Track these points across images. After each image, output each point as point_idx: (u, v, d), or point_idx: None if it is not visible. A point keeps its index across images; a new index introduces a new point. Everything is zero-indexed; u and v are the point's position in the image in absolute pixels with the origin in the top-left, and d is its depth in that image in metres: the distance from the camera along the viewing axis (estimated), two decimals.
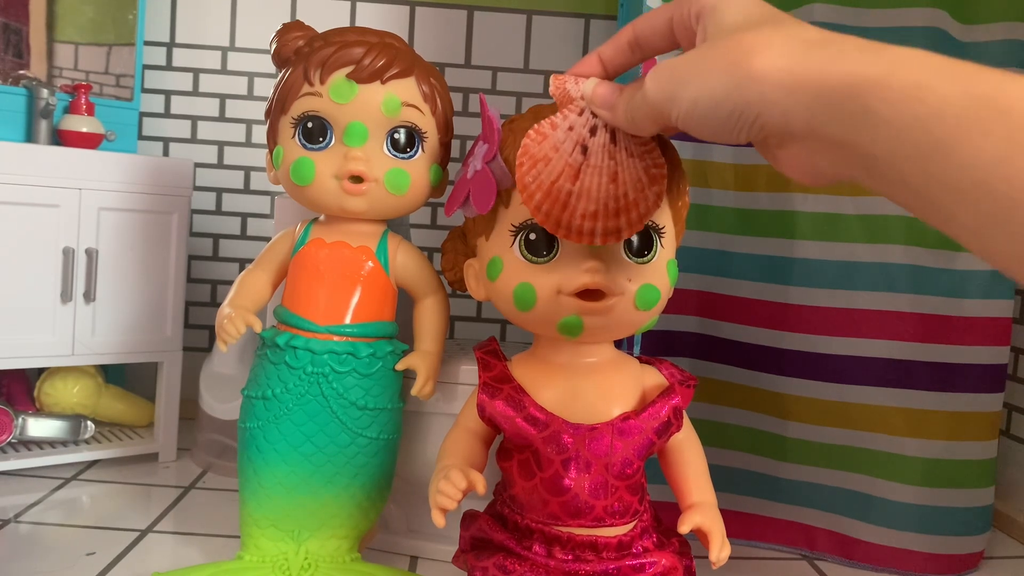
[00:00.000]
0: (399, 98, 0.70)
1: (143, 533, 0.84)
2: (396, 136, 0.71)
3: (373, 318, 0.73)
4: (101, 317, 0.99)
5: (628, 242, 0.58)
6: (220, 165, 1.27)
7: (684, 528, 0.59)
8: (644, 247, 0.58)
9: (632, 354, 0.68)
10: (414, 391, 0.73)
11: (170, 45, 1.25)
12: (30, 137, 1.04)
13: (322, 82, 0.70)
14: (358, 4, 1.25)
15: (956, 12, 0.83)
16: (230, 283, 0.79)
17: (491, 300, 0.63)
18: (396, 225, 0.80)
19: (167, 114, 1.26)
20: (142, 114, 1.24)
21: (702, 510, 0.60)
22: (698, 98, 0.37)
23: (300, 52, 0.72)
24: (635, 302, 0.58)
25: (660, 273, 0.59)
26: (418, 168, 0.72)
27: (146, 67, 1.24)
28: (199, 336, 1.28)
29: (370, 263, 0.73)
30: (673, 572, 0.60)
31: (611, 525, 0.59)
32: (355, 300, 0.72)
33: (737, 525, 0.88)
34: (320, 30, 0.73)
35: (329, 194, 0.71)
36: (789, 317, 0.85)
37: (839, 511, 0.86)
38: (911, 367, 0.83)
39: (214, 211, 1.27)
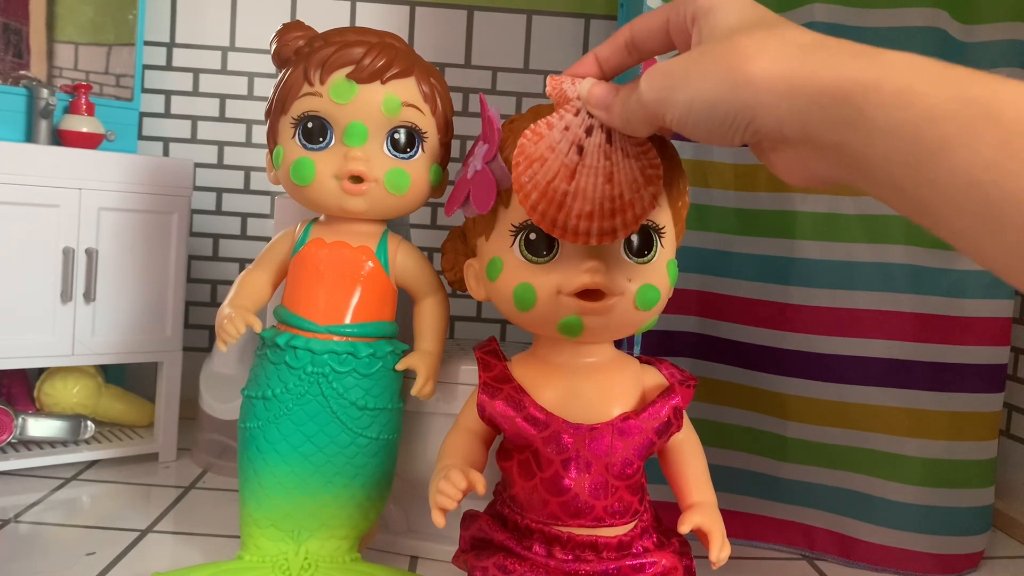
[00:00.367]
0: (399, 98, 0.70)
1: (143, 533, 0.84)
2: (396, 136, 0.71)
3: (373, 318, 0.73)
4: (101, 317, 0.99)
5: (628, 242, 0.58)
6: (220, 165, 1.27)
7: (684, 528, 0.59)
8: (644, 247, 0.58)
9: (632, 354, 0.68)
10: (414, 391, 0.73)
11: (170, 45, 1.25)
12: (30, 137, 1.04)
13: (322, 82, 0.70)
14: (358, 4, 1.25)
15: (956, 12, 0.83)
16: (230, 283, 0.79)
17: (491, 300, 0.63)
18: (396, 225, 0.80)
19: (167, 114, 1.26)
20: (142, 114, 1.24)
21: (702, 510, 0.60)
22: (692, 101, 0.37)
23: (300, 52, 0.72)
24: (635, 302, 0.58)
25: (660, 273, 0.59)
26: (418, 168, 0.72)
27: (146, 67, 1.24)
28: (199, 336, 1.28)
29: (370, 263, 0.73)
30: (673, 572, 0.60)
31: (611, 525, 0.59)
32: (355, 300, 0.72)
33: (737, 525, 0.88)
34: (320, 30, 0.73)
35: (329, 194, 0.71)
36: (789, 317, 0.85)
37: (839, 511, 0.86)
38: (911, 367, 0.83)
39: (214, 211, 1.27)
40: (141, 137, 1.24)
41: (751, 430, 0.89)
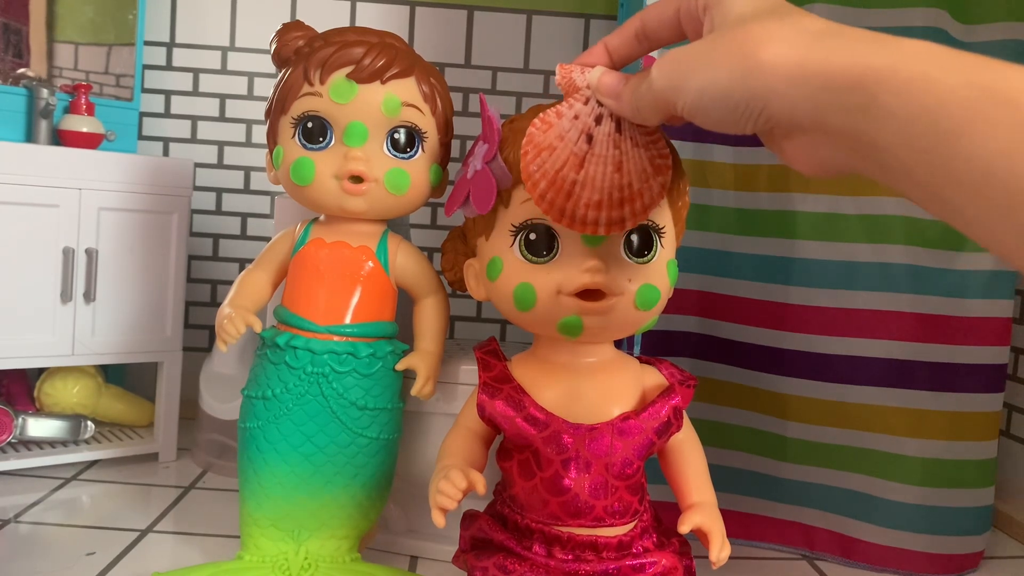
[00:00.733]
0: (399, 98, 0.70)
1: (143, 533, 0.84)
2: (396, 136, 0.71)
3: (373, 318, 0.73)
4: (101, 317, 0.99)
5: (628, 242, 0.58)
6: (220, 165, 1.27)
7: (684, 528, 0.59)
8: (644, 247, 0.58)
9: (632, 354, 0.68)
10: (414, 391, 0.73)
11: (170, 45, 1.25)
12: (30, 137, 1.04)
13: (322, 82, 0.70)
14: (358, 4, 1.25)
15: (956, 12, 0.83)
16: (230, 283, 0.79)
17: (491, 300, 0.63)
18: (396, 225, 0.80)
19: (167, 114, 1.26)
20: (142, 114, 1.24)
21: (702, 510, 0.60)
22: (704, 88, 0.37)
23: (300, 52, 0.72)
24: (635, 302, 0.58)
25: (660, 273, 0.59)
26: (418, 168, 0.72)
27: (146, 67, 1.24)
28: (199, 336, 1.28)
29: (370, 263, 0.73)
30: (673, 572, 0.60)
31: (611, 525, 0.59)
32: (355, 300, 0.72)
33: (737, 525, 0.88)
34: (320, 30, 0.73)
35: (329, 194, 0.71)
36: (789, 317, 0.85)
37: (839, 511, 0.86)
38: (911, 367, 0.83)
39: (214, 211, 1.27)
40: (141, 137, 1.24)
41: (751, 430, 0.89)
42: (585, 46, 1.27)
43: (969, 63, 0.29)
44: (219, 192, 1.27)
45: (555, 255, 0.57)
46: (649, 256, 0.58)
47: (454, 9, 1.26)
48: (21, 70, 1.05)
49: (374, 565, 0.74)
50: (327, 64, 0.70)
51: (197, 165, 1.24)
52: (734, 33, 0.36)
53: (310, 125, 0.71)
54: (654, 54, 0.52)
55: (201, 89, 1.26)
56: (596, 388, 0.60)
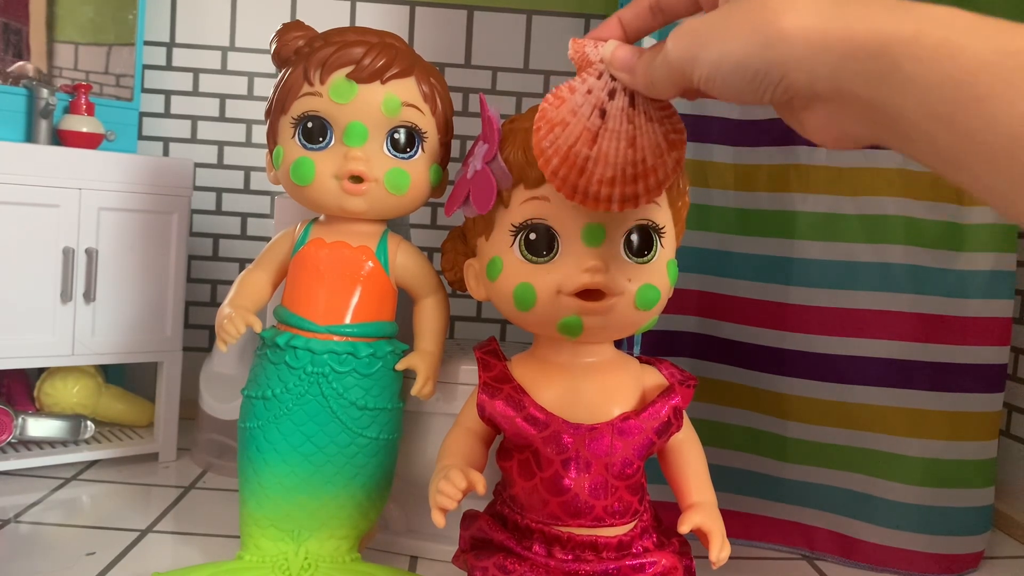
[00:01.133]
0: (399, 98, 0.70)
1: (143, 533, 0.84)
2: (396, 136, 0.71)
3: (373, 318, 0.73)
4: (101, 317, 0.99)
5: (628, 242, 0.58)
6: (220, 165, 1.27)
7: (684, 528, 0.58)
8: (644, 247, 0.58)
9: (632, 354, 0.68)
10: (414, 391, 0.73)
11: (170, 45, 1.25)
12: (30, 137, 1.04)
13: (322, 82, 0.70)
14: (358, 4, 1.25)
15: (961, 4, 0.83)
16: (230, 283, 0.79)
17: (491, 300, 0.63)
18: (396, 225, 0.80)
19: (167, 114, 1.26)
20: (142, 114, 1.24)
21: (702, 510, 0.60)
22: (722, 59, 0.36)
23: (300, 52, 0.72)
24: (635, 302, 0.58)
25: (660, 273, 0.59)
26: (418, 168, 0.72)
27: (146, 67, 1.24)
28: (199, 336, 1.28)
29: (370, 263, 0.73)
30: (673, 572, 0.60)
31: (611, 525, 0.59)
32: (355, 300, 0.72)
33: (737, 525, 0.88)
34: (320, 30, 0.73)
35: (329, 194, 0.71)
36: (789, 317, 0.85)
37: (839, 511, 0.86)
38: (911, 367, 0.83)
39: (214, 211, 1.27)
40: (141, 137, 1.24)
41: (751, 430, 0.89)
42: None
43: (995, 28, 0.29)
44: (219, 192, 1.27)
45: (555, 255, 0.57)
46: (649, 256, 0.58)
47: (454, 9, 1.26)
48: (20, 63, 1.05)
49: (374, 565, 0.74)
50: (327, 64, 0.70)
51: (197, 165, 1.23)
52: (751, 2, 0.35)
53: (310, 125, 0.70)
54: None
55: (201, 89, 1.26)
56: (596, 388, 0.60)
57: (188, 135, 1.26)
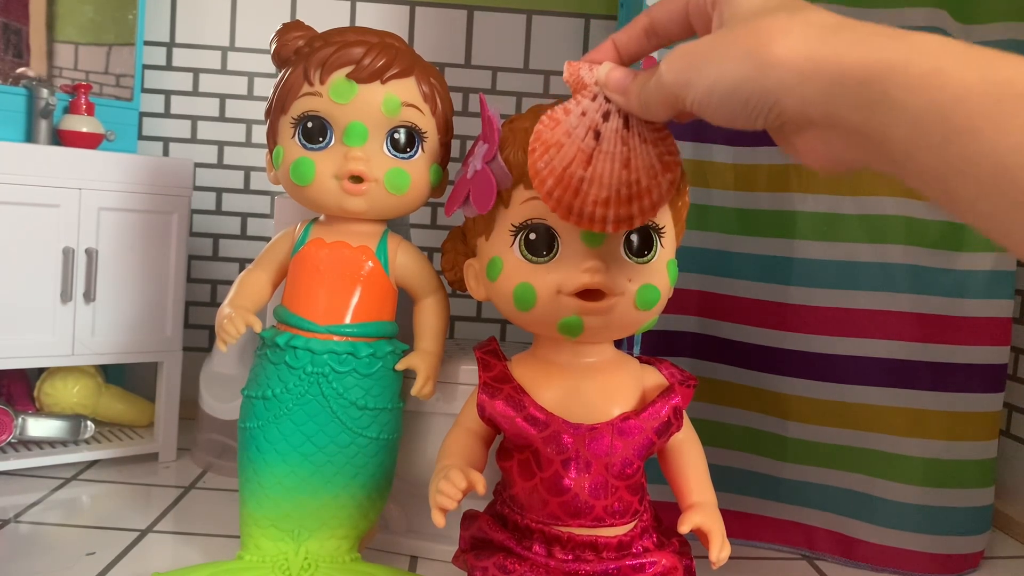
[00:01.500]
0: (399, 98, 0.70)
1: (143, 533, 0.84)
2: (396, 136, 0.71)
3: (373, 318, 0.73)
4: (101, 317, 0.99)
5: (628, 242, 0.58)
6: (220, 165, 1.27)
7: (684, 528, 0.59)
8: (644, 247, 0.58)
9: (632, 354, 0.68)
10: (414, 391, 0.73)
11: (170, 45, 1.25)
12: (30, 137, 1.04)
13: (322, 82, 0.70)
14: (358, 4, 1.25)
15: (956, 12, 0.83)
16: (230, 283, 0.79)
17: (491, 300, 0.63)
18: (396, 225, 0.80)
19: (167, 114, 1.26)
20: (142, 114, 1.24)
21: (702, 510, 0.60)
22: (715, 84, 0.36)
23: (300, 52, 0.72)
24: (635, 302, 0.58)
25: (660, 273, 0.59)
26: (418, 168, 0.72)
27: (146, 67, 1.24)
28: (199, 336, 1.28)
29: (370, 263, 0.73)
30: (673, 572, 0.60)
31: (611, 525, 0.59)
32: (355, 300, 0.72)
33: (737, 525, 0.88)
34: (320, 30, 0.73)
35: (329, 194, 0.71)
36: (789, 317, 0.85)
37: (839, 511, 0.86)
38: (911, 367, 0.83)
39: (214, 211, 1.27)
40: (141, 137, 1.24)
41: (751, 430, 0.89)
42: (585, 46, 1.27)
43: (983, 57, 0.29)
44: (219, 192, 1.27)
45: (555, 255, 0.57)
46: (649, 256, 0.58)
47: (454, 9, 1.26)
48: (21, 69, 1.05)
49: (374, 565, 0.74)
50: (327, 64, 0.70)
51: (197, 165, 1.24)
52: (745, 28, 0.36)
53: (310, 125, 0.71)
54: (655, 55, 0.51)
55: (201, 89, 1.26)
56: (596, 388, 0.60)
57: (188, 135, 1.26)
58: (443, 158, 0.76)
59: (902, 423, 0.84)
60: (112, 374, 1.13)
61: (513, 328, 1.26)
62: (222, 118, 1.26)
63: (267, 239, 1.01)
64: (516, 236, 0.59)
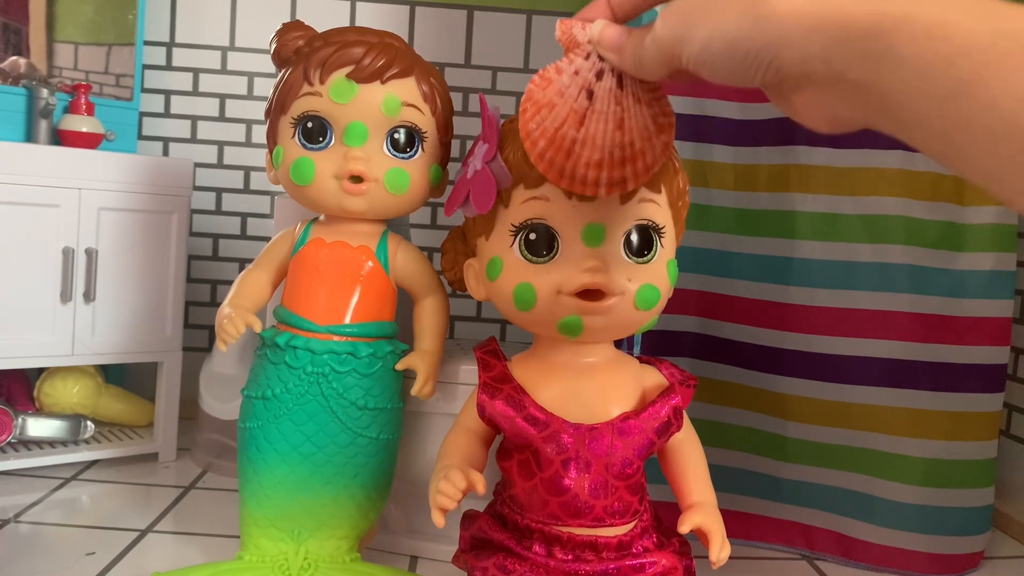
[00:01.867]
0: (399, 98, 0.70)
1: (143, 533, 0.84)
2: (396, 136, 0.71)
3: (373, 318, 0.73)
4: (101, 317, 0.99)
5: (628, 242, 0.58)
6: (220, 165, 1.27)
7: (684, 528, 0.59)
8: (644, 247, 0.58)
9: (632, 354, 0.68)
10: (414, 391, 0.73)
11: (170, 45, 1.25)
12: (30, 137, 1.04)
13: (322, 82, 0.70)
14: (358, 4, 1.25)
15: None
16: (230, 283, 0.79)
17: (491, 300, 0.63)
18: (396, 225, 0.80)
19: (167, 114, 1.26)
20: (142, 114, 1.24)
21: (702, 510, 0.60)
22: (711, 38, 0.36)
23: (300, 52, 0.72)
24: (635, 302, 0.58)
25: (660, 273, 0.59)
26: (418, 168, 0.72)
27: (146, 67, 1.24)
28: (199, 336, 1.28)
29: (370, 263, 0.73)
30: (673, 572, 0.60)
31: (611, 525, 0.59)
32: (355, 300, 0.72)
33: (737, 525, 0.88)
34: (320, 30, 0.73)
35: (329, 194, 0.71)
36: (789, 317, 0.85)
37: (839, 511, 0.86)
38: (911, 367, 0.83)
39: (214, 211, 1.27)
40: (141, 137, 1.24)
41: (751, 430, 0.89)
42: None
43: (991, 9, 0.28)
44: (219, 192, 1.27)
45: (555, 255, 0.57)
46: (649, 256, 0.58)
47: (454, 9, 1.26)
48: (14, 57, 1.05)
49: (374, 565, 0.74)
50: (327, 64, 0.70)
51: (197, 165, 1.23)
52: None
53: (310, 125, 0.70)
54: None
55: (201, 89, 1.26)
56: (596, 388, 0.60)
57: (188, 135, 1.26)
58: (443, 158, 0.76)
59: (902, 423, 0.84)
60: (112, 374, 1.13)
61: (513, 328, 1.26)
62: (222, 118, 1.26)
63: (267, 239, 1.01)
64: (516, 236, 0.59)
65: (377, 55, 0.69)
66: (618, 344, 0.69)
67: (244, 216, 1.28)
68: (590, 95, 0.47)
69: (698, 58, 0.37)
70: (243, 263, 1.28)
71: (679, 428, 0.61)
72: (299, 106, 0.71)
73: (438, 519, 0.56)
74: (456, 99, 1.22)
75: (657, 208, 0.59)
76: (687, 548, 0.63)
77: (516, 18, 1.26)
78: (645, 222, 0.58)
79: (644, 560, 0.59)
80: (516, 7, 1.26)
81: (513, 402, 0.60)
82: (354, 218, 0.73)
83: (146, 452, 1.05)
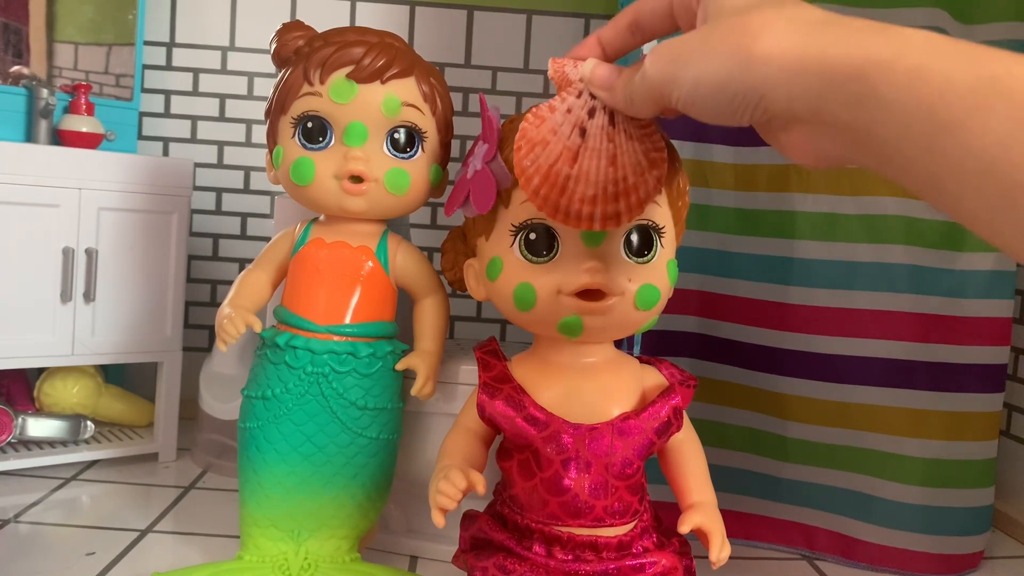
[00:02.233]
0: (399, 98, 0.70)
1: (143, 533, 0.84)
2: (396, 136, 0.71)
3: (373, 318, 0.73)
4: (101, 317, 0.99)
5: (628, 242, 0.58)
6: (220, 165, 1.27)
7: (684, 528, 0.59)
8: (644, 247, 0.58)
9: (632, 354, 0.68)
10: (414, 391, 0.73)
11: (170, 45, 1.25)
12: (30, 137, 1.04)
13: (322, 82, 0.70)
14: (358, 4, 1.25)
15: (956, 12, 0.83)
16: (230, 283, 0.79)
17: (491, 300, 0.63)
18: (396, 225, 0.80)
19: (167, 114, 1.26)
20: (142, 114, 1.24)
21: (702, 510, 0.60)
22: (700, 80, 0.36)
23: (300, 52, 0.72)
24: (635, 302, 0.58)
25: (660, 273, 0.59)
26: (418, 168, 0.72)
27: (146, 67, 1.24)
28: (199, 336, 1.28)
29: (370, 263, 0.73)
30: (673, 572, 0.60)
31: (611, 525, 0.59)
32: (355, 300, 0.72)
33: (737, 525, 0.88)
34: (320, 30, 0.73)
35: (329, 194, 0.71)
36: (789, 317, 0.85)
37: (839, 511, 0.86)
38: (911, 367, 0.83)
39: (214, 211, 1.27)
40: (141, 137, 1.24)
41: (751, 430, 0.89)
42: None
43: (971, 53, 0.29)
44: (219, 192, 1.27)
45: (555, 255, 0.57)
46: (649, 256, 0.58)
47: (454, 9, 1.26)
48: (16, 67, 1.05)
49: (374, 565, 0.74)
50: (327, 64, 0.70)
51: (197, 165, 1.24)
52: (730, 23, 0.35)
53: (310, 125, 0.70)
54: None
55: (201, 89, 1.26)
56: (596, 388, 0.60)
57: (188, 135, 1.26)
58: (443, 158, 0.76)
59: (902, 423, 0.84)
60: (112, 374, 1.13)
61: (513, 328, 1.26)
62: (222, 118, 1.26)
63: (267, 239, 1.01)
64: (516, 236, 0.59)
65: (377, 55, 0.69)
66: (618, 344, 0.69)
67: (244, 216, 1.28)
68: (583, 132, 0.48)
69: (687, 99, 0.38)
70: (243, 263, 1.28)
71: (679, 428, 0.61)
72: (299, 106, 0.71)
73: (438, 519, 0.56)
74: (456, 99, 1.22)
75: (657, 208, 0.59)
76: (687, 548, 0.63)
77: (516, 18, 1.26)
78: (645, 222, 0.58)
79: (644, 560, 0.59)
80: (516, 7, 1.26)
81: (513, 402, 0.60)
82: (354, 218, 0.73)
83: (146, 452, 1.05)
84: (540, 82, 1.27)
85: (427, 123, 0.72)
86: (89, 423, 1.03)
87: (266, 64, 1.24)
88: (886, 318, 0.83)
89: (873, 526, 0.85)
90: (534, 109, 0.51)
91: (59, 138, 1.04)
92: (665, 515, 0.66)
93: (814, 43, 0.32)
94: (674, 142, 0.61)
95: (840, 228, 0.84)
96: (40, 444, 1.01)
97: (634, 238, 0.58)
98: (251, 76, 1.26)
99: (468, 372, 0.79)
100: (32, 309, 0.95)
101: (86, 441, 1.04)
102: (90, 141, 1.04)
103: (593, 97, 0.48)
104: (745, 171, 0.87)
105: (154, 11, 1.23)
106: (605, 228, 0.52)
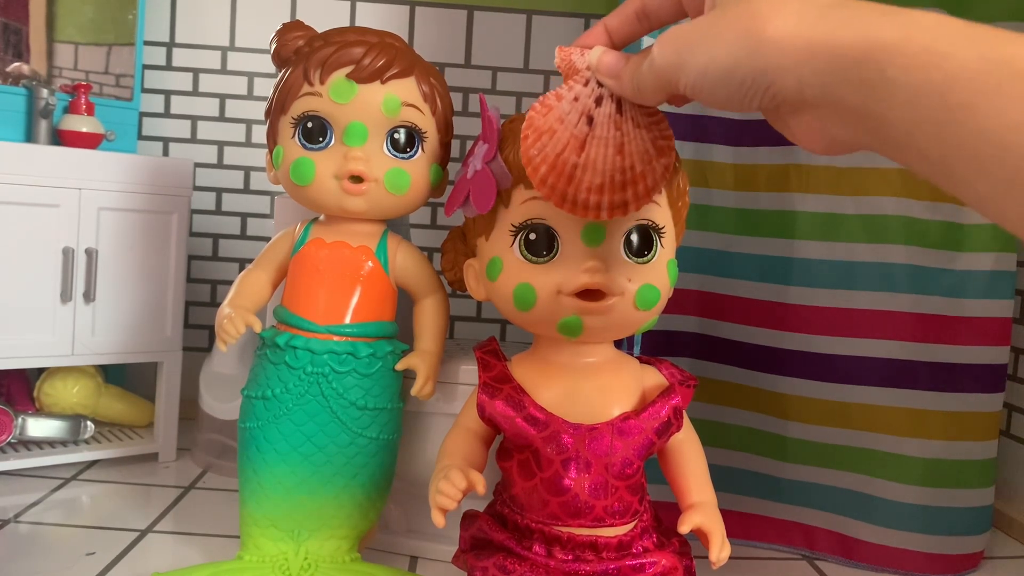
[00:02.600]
0: (399, 98, 0.70)
1: (143, 533, 0.84)
2: (396, 136, 0.71)
3: (373, 318, 0.73)
4: (101, 317, 0.99)
5: (628, 242, 0.58)
6: (220, 165, 1.27)
7: (684, 528, 0.59)
8: (644, 247, 0.58)
9: (632, 354, 0.68)
10: (414, 391, 0.73)
11: (170, 45, 1.25)
12: (30, 137, 1.04)
13: (322, 82, 0.70)
14: (358, 4, 1.25)
15: (956, 12, 0.83)
16: (230, 283, 0.79)
17: (491, 300, 0.63)
18: (396, 225, 0.80)
19: (167, 114, 1.26)
20: (142, 114, 1.24)
21: (702, 510, 0.60)
22: (708, 65, 0.36)
23: (300, 52, 0.72)
24: (635, 302, 0.58)
25: (660, 273, 0.59)
26: (418, 168, 0.72)
27: (146, 67, 1.24)
28: (199, 336, 1.28)
29: (370, 263, 0.73)
30: (673, 572, 0.60)
31: (611, 525, 0.59)
32: (355, 300, 0.72)
33: (737, 525, 0.88)
34: (320, 30, 0.73)
35: (329, 194, 0.71)
36: (789, 317, 0.85)
37: (839, 511, 0.86)
38: (911, 367, 0.83)
39: (214, 211, 1.27)
40: (141, 137, 1.24)
41: (751, 430, 0.89)
42: None
43: (982, 35, 0.28)
44: (219, 192, 1.27)
45: (555, 255, 0.57)
46: (649, 256, 0.58)
47: (454, 9, 1.26)
48: (16, 64, 1.05)
49: (374, 565, 0.74)
50: (327, 64, 0.70)
51: (197, 165, 1.23)
52: (738, 8, 0.35)
53: (310, 125, 0.70)
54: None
55: (201, 89, 1.26)
56: (596, 388, 0.60)
57: (188, 135, 1.26)
58: (443, 158, 0.76)
59: (902, 423, 0.84)
60: (112, 374, 1.13)
61: (513, 328, 1.26)
62: (222, 118, 1.26)
63: (267, 239, 1.01)
64: (516, 236, 0.59)
65: (377, 55, 0.69)
66: (618, 344, 0.69)
67: (244, 216, 1.28)
68: (590, 121, 0.48)
69: (695, 85, 0.37)
70: (243, 263, 1.28)
71: (679, 428, 0.61)
72: (299, 106, 0.71)
73: (438, 519, 0.56)
74: (456, 99, 1.22)
75: (657, 208, 0.59)
76: (687, 548, 0.63)
77: (516, 18, 1.26)
78: (645, 222, 0.58)
79: (644, 560, 0.59)
80: (516, 7, 1.26)
81: (513, 402, 0.60)
82: (354, 218, 0.73)
83: (146, 452, 1.05)
84: (540, 82, 1.27)
85: (427, 123, 0.72)
86: (89, 423, 1.03)
87: (266, 64, 1.24)
88: (886, 318, 0.83)
89: (873, 526, 0.85)
90: (541, 98, 0.50)
91: (59, 138, 1.04)
92: (665, 515, 0.66)
93: (822, 27, 0.32)
94: (674, 143, 0.61)
95: (840, 228, 0.84)
96: (40, 444, 1.01)
97: (634, 238, 0.58)
98: (251, 76, 1.26)
99: (468, 372, 0.79)
100: (32, 309, 0.95)
101: (86, 441, 1.04)
102: (90, 141, 1.04)
103: (600, 85, 0.47)
104: (745, 171, 0.87)
105: (154, 11, 1.23)
106: (612, 217, 0.51)
